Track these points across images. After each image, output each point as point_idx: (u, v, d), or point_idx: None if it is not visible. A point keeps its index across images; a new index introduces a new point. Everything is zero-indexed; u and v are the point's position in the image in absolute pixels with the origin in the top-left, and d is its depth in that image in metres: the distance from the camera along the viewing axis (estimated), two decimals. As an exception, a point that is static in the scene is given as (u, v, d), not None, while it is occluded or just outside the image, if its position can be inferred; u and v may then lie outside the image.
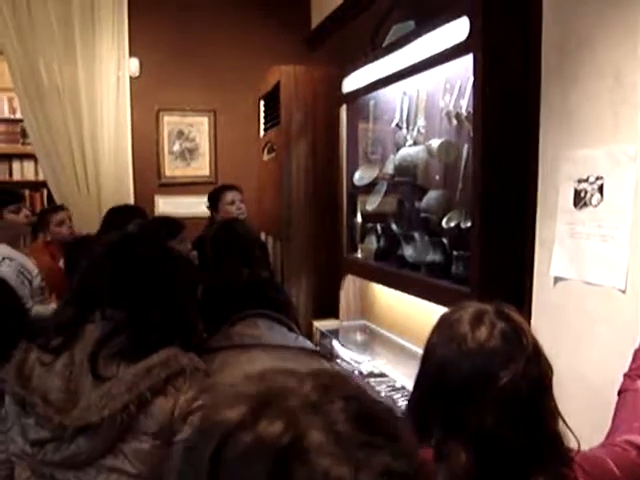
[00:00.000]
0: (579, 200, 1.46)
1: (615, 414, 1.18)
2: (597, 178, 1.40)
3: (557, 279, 1.55)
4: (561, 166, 1.52)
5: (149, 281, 1.28)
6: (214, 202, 3.39)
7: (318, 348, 1.55)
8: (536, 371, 0.94)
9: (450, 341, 0.96)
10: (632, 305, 1.33)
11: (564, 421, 0.97)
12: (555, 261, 1.55)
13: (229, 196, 3.35)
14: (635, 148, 1.30)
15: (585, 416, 1.35)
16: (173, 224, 2.81)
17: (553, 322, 1.54)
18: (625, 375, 1.23)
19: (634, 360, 1.22)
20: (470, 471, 0.88)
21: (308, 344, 1.47)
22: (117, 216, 2.98)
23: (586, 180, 1.43)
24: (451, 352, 0.95)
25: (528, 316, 1.68)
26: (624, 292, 1.34)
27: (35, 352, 1.23)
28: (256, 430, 0.46)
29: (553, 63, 1.58)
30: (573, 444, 1.00)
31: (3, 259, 2.68)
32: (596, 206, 1.41)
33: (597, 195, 1.40)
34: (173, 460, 1.04)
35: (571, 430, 0.97)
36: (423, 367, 1.01)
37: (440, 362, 0.97)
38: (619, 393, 1.21)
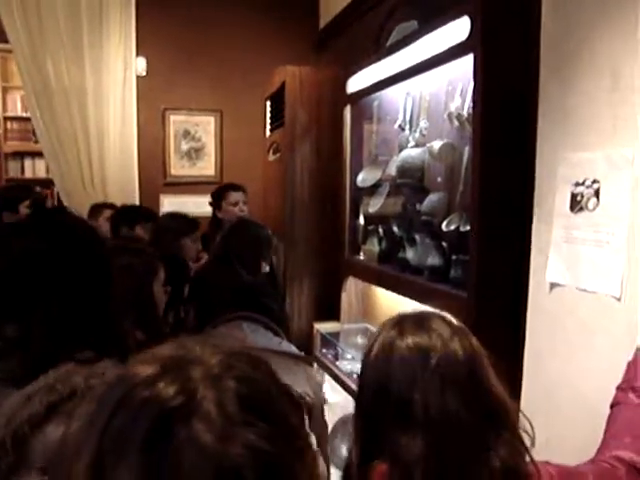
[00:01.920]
0: (575, 204, 1.41)
1: (607, 428, 1.15)
2: (594, 181, 1.36)
3: (553, 285, 1.51)
4: (558, 169, 1.48)
5: (38, 282, 1.06)
6: (217, 201, 3.39)
7: (302, 353, 1.51)
8: (470, 348, 0.95)
9: (377, 354, 0.97)
10: (628, 314, 1.28)
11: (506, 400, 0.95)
12: (551, 266, 1.51)
13: (233, 197, 3.35)
14: (633, 151, 1.26)
15: (576, 425, 1.31)
16: (189, 221, 2.81)
17: (548, 328, 1.50)
18: (618, 388, 1.19)
19: (627, 372, 1.19)
20: (427, 458, 0.87)
21: (293, 349, 1.44)
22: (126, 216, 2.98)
23: (582, 184, 1.39)
24: (383, 363, 0.96)
25: (524, 321, 1.64)
26: (619, 300, 1.30)
27: None
28: (154, 388, 0.52)
29: (552, 64, 1.54)
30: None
31: None
32: (592, 210, 1.37)
33: (593, 199, 1.36)
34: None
35: (525, 416, 0.97)
36: (360, 392, 1.00)
37: (376, 378, 0.96)
38: (611, 406, 1.18)
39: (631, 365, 1.20)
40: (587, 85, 1.40)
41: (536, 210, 1.58)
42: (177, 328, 1.93)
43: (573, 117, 1.44)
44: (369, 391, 0.97)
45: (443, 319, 0.99)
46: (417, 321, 0.97)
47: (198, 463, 0.48)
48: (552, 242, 1.50)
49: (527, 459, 0.91)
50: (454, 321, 0.99)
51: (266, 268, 2.71)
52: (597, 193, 1.35)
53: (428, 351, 0.92)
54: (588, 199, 1.38)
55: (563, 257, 1.47)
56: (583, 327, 1.40)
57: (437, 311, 1.02)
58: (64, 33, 3.80)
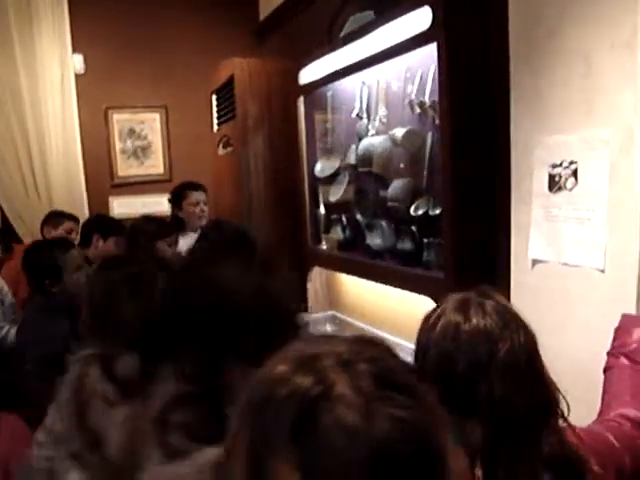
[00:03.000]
0: (554, 184, 1.50)
1: (604, 391, 1.23)
2: (571, 162, 1.45)
3: (535, 261, 1.59)
4: (534, 152, 1.56)
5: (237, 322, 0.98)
6: (178, 200, 3.33)
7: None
8: (528, 337, 0.98)
9: (443, 336, 0.98)
10: (611, 284, 1.38)
11: (555, 385, 1.01)
12: (532, 244, 1.59)
13: (194, 197, 3.31)
14: (608, 132, 1.35)
15: (571, 391, 1.39)
16: (164, 224, 2.76)
17: (533, 304, 1.58)
18: (608, 353, 1.28)
19: (615, 338, 1.28)
20: (487, 442, 0.91)
21: None
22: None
23: (560, 165, 1.48)
24: (448, 345, 0.97)
25: (507, 299, 1.72)
26: (603, 272, 1.39)
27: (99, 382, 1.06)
28: (292, 383, 0.55)
29: (522, 51, 1.61)
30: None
31: None
32: (571, 190, 1.45)
33: (572, 179, 1.45)
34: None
35: (562, 394, 1.02)
36: (421, 365, 1.02)
37: (439, 359, 0.98)
38: (604, 371, 1.26)
39: (618, 331, 1.30)
40: (560, 71, 1.47)
41: (513, 192, 1.66)
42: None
43: (547, 102, 1.52)
44: (431, 371, 0.98)
45: (502, 302, 1.02)
46: (480, 304, 0.99)
47: (349, 443, 0.51)
48: (532, 221, 1.58)
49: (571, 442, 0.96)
50: (510, 304, 1.02)
51: None
52: (575, 173, 1.44)
53: (493, 338, 0.95)
54: (566, 179, 1.46)
55: (544, 235, 1.55)
56: (569, 299, 1.49)
57: (492, 291, 1.04)
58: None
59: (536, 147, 1.55)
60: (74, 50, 3.82)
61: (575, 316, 1.47)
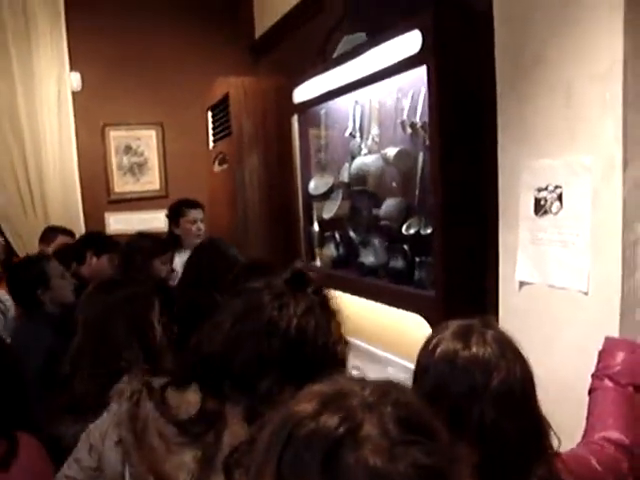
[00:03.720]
0: (539, 208, 1.53)
1: (589, 413, 1.26)
2: (556, 187, 1.48)
3: (522, 283, 1.62)
4: (521, 175, 1.59)
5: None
6: (175, 217, 3.34)
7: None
8: (525, 369, 1.01)
9: (442, 360, 1.01)
10: (595, 307, 1.40)
11: (547, 421, 1.04)
12: (520, 266, 1.62)
13: (191, 214, 3.32)
14: (590, 159, 1.38)
15: (557, 412, 1.41)
16: (159, 242, 2.77)
17: (521, 325, 1.61)
18: (593, 376, 1.30)
19: (599, 361, 1.31)
20: (476, 468, 0.93)
21: None
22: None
23: (545, 189, 1.51)
24: (445, 369, 1.00)
25: (496, 319, 1.75)
26: (586, 294, 1.42)
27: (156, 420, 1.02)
28: (319, 420, 0.57)
29: (508, 78, 1.65)
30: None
31: None
32: (556, 214, 1.48)
33: (557, 203, 1.48)
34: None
35: (552, 429, 1.04)
36: (418, 387, 1.05)
37: (436, 381, 1.01)
38: (589, 393, 1.29)
39: (602, 354, 1.32)
40: (543, 100, 1.51)
41: (501, 215, 1.69)
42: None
43: (532, 128, 1.55)
44: (425, 392, 1.00)
45: (502, 333, 1.04)
46: (481, 333, 1.02)
47: None
48: (519, 244, 1.61)
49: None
50: (510, 336, 1.05)
51: None
52: (560, 197, 1.47)
53: (490, 366, 0.98)
54: (552, 203, 1.49)
55: (530, 257, 1.58)
56: (555, 321, 1.51)
57: (494, 322, 1.07)
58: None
59: (523, 171, 1.58)
60: (71, 68, 3.87)
61: (561, 338, 1.50)
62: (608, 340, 1.34)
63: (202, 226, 3.31)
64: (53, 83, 3.81)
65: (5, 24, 3.69)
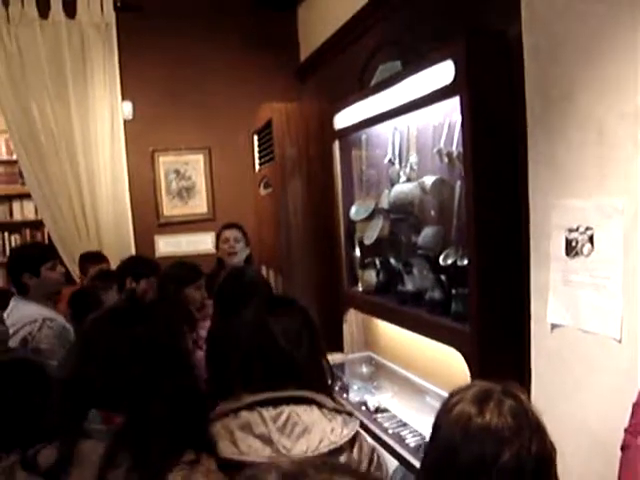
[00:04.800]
0: (571, 249, 1.47)
1: (620, 471, 1.20)
2: (587, 228, 1.42)
3: (554, 326, 1.57)
4: (551, 214, 1.54)
5: (154, 369, 1.10)
6: (217, 241, 3.49)
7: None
8: (541, 446, 0.96)
9: (455, 423, 0.98)
10: (629, 354, 1.34)
11: None
12: (551, 308, 1.56)
13: (224, 235, 3.44)
14: (622, 202, 1.32)
15: (586, 463, 1.35)
16: (191, 269, 2.83)
17: (552, 368, 1.55)
18: (626, 430, 1.24)
19: (633, 415, 1.24)
20: None
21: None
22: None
23: (576, 230, 1.45)
24: (457, 434, 0.97)
25: (528, 361, 1.70)
26: (620, 342, 1.36)
27: (21, 476, 1.03)
28: None
29: (538, 111, 1.61)
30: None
31: (44, 321, 2.54)
32: (587, 256, 1.43)
33: (588, 245, 1.42)
34: None
35: None
36: (430, 447, 1.03)
37: (446, 444, 0.99)
38: (622, 449, 1.22)
39: (636, 407, 1.26)
40: (573, 136, 1.46)
41: (532, 253, 1.64)
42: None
43: (562, 166, 1.50)
44: (437, 453, 0.99)
45: (524, 405, 1.00)
46: (500, 401, 0.98)
47: None
48: (550, 285, 1.56)
49: None
50: (532, 408, 1.00)
51: None
52: (591, 239, 1.41)
53: (502, 439, 0.94)
54: (583, 245, 1.44)
55: (562, 299, 1.52)
56: (587, 366, 1.45)
57: (519, 390, 1.02)
58: (48, 81, 3.83)
59: (553, 210, 1.54)
60: (123, 97, 4.01)
61: (592, 384, 1.43)
62: None
63: (235, 244, 3.38)
64: (106, 112, 3.96)
65: (64, 57, 3.86)
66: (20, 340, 2.47)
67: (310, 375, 1.39)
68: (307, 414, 1.31)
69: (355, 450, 1.34)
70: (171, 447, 1.06)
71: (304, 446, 1.27)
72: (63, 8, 3.80)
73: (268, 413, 1.29)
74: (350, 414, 1.39)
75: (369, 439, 1.61)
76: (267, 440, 1.25)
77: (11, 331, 2.50)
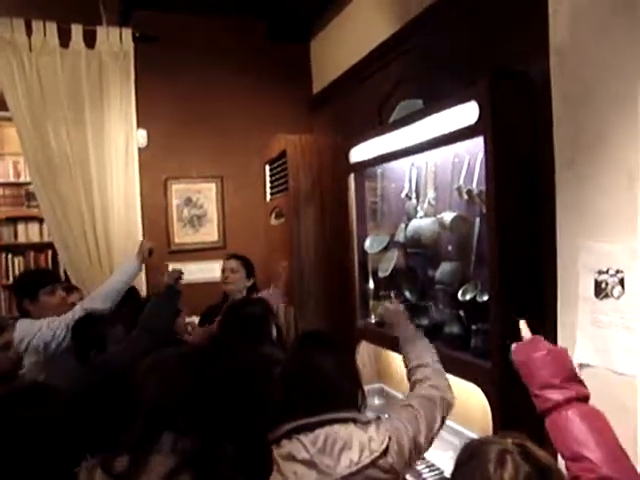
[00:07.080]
0: (600, 291, 1.50)
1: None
2: (617, 271, 1.45)
3: (582, 365, 1.58)
4: (580, 256, 1.57)
5: (229, 403, 1.22)
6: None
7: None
8: None
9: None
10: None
11: None
12: (579, 348, 1.59)
13: (223, 264, 3.52)
14: (654, 245, 1.36)
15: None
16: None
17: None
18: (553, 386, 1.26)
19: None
20: None
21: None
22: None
23: (606, 272, 1.49)
24: None
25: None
26: (652, 383, 1.38)
27: (99, 475, 1.19)
28: None
29: (567, 155, 1.65)
30: None
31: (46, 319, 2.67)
32: (618, 298, 1.46)
33: (618, 287, 1.45)
34: None
35: None
36: None
37: None
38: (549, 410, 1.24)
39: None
40: (603, 180, 1.50)
41: (560, 292, 1.67)
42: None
43: (591, 208, 1.54)
44: None
45: (542, 463, 0.98)
46: (516, 468, 0.96)
47: None
48: (579, 325, 1.58)
49: None
50: (552, 470, 0.99)
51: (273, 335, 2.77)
52: (622, 282, 1.44)
53: None
54: (613, 287, 1.47)
55: (591, 339, 1.55)
56: (616, 409, 1.46)
57: (537, 450, 1.01)
58: (66, 108, 3.87)
59: (581, 251, 1.57)
60: (138, 125, 4.05)
61: (622, 428, 1.44)
62: None
63: (231, 275, 3.42)
64: (122, 139, 4.00)
65: (82, 85, 3.91)
66: (41, 343, 2.61)
67: (348, 401, 1.50)
68: (344, 430, 1.40)
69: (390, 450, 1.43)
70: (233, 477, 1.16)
71: (347, 461, 1.35)
72: (83, 38, 3.87)
73: (307, 438, 1.38)
74: (378, 417, 1.51)
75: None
76: (311, 464, 1.31)
77: (23, 345, 2.54)
